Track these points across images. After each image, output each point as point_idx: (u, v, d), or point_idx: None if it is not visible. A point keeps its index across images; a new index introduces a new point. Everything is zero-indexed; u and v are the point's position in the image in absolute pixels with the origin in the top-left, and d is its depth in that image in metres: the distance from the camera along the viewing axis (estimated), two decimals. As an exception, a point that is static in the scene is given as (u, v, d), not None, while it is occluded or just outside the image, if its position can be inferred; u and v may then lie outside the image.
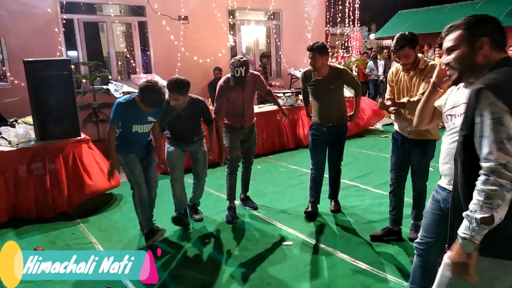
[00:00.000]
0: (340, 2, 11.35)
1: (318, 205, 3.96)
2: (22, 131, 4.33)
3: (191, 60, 7.60)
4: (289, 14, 9.23)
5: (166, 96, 3.38)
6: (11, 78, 6.23)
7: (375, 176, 5.05)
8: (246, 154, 4.14)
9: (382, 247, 3.28)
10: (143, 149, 3.49)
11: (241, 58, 3.63)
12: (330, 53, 7.38)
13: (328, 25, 10.49)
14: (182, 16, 7.55)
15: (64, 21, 6.58)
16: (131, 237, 3.64)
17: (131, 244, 3.51)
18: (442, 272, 1.59)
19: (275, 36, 9.30)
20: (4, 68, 6.33)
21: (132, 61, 7.59)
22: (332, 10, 10.68)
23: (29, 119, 4.66)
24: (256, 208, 4.14)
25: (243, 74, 3.58)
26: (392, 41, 3.08)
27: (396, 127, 3.24)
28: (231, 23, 8.49)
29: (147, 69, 7.70)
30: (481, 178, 1.37)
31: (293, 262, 3.13)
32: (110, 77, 6.75)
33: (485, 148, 1.37)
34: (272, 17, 9.18)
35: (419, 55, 3.05)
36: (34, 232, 3.77)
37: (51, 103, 4.31)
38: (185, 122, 3.60)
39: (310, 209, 3.92)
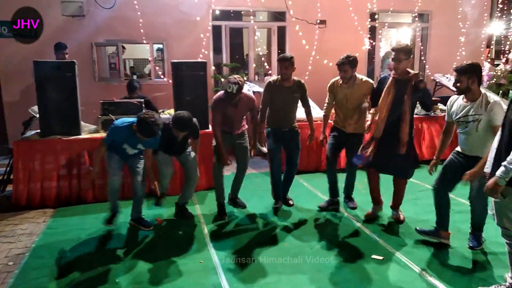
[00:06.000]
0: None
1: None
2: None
3: (321, 63, 7.66)
4: (440, 15, 8.49)
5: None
6: (161, 76, 7.37)
7: None
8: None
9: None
10: (128, 158, 3.78)
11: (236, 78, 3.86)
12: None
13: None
14: (318, 21, 7.71)
15: (212, 28, 7.44)
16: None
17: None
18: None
19: (419, 39, 8.66)
20: (157, 68, 7.54)
21: (266, 64, 8.08)
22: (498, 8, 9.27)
23: (172, 111, 5.47)
24: (244, 207, 4.37)
25: (234, 92, 3.79)
26: None
27: None
28: (369, 26, 8.24)
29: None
30: None
31: (376, 277, 3.00)
32: (246, 78, 7.34)
33: None
34: (417, 19, 8.55)
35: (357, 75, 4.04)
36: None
37: (188, 99, 4.98)
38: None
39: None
